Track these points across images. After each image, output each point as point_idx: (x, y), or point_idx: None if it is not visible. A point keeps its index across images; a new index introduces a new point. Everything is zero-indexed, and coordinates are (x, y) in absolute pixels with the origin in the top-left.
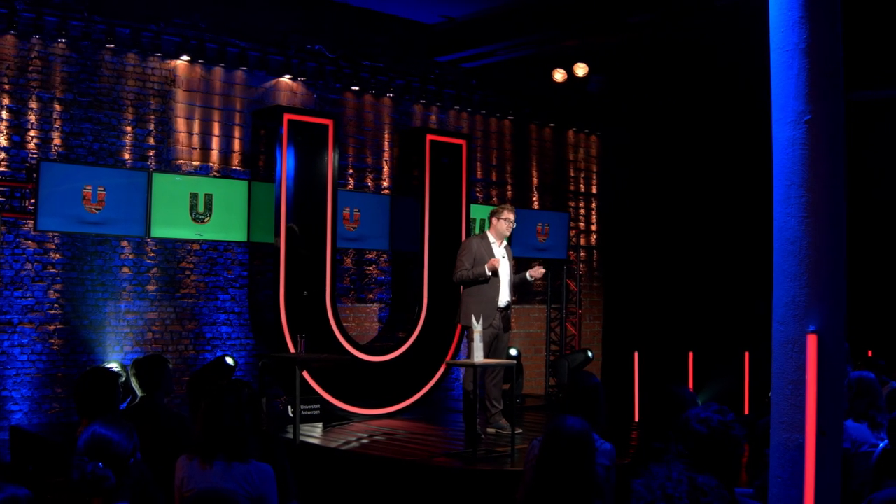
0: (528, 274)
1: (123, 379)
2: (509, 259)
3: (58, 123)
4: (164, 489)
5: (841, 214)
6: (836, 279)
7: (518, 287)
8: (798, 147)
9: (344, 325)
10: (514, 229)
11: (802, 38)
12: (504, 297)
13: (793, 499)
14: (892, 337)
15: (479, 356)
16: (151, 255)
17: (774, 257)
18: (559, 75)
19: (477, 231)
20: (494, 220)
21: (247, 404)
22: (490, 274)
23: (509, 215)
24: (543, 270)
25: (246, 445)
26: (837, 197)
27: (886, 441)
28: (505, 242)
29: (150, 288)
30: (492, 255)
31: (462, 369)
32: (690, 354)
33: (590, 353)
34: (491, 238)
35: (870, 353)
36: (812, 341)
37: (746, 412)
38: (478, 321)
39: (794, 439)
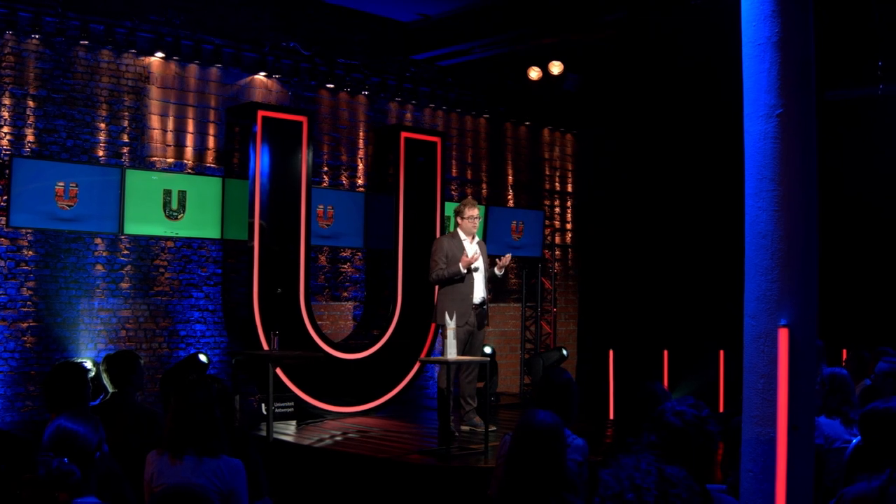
0: (494, 270)
1: (93, 374)
2: (484, 255)
3: (31, 120)
4: (135, 485)
5: (813, 208)
6: (808, 273)
7: (494, 284)
8: (770, 141)
9: (318, 323)
10: (488, 227)
11: (774, 31)
12: (479, 293)
13: (765, 493)
14: (867, 335)
15: (452, 353)
16: (125, 252)
17: (746, 251)
18: (534, 73)
19: (451, 228)
20: (459, 219)
21: (217, 399)
22: (465, 271)
23: (472, 211)
24: (509, 256)
25: (216, 440)
26: (809, 191)
27: (859, 437)
28: (478, 238)
29: (124, 285)
30: (463, 252)
31: (437, 367)
32: (665, 352)
33: (564, 352)
34: (462, 235)
35: (844, 353)
36: (783, 335)
37: (721, 409)
38: (452, 319)
39: (766, 433)
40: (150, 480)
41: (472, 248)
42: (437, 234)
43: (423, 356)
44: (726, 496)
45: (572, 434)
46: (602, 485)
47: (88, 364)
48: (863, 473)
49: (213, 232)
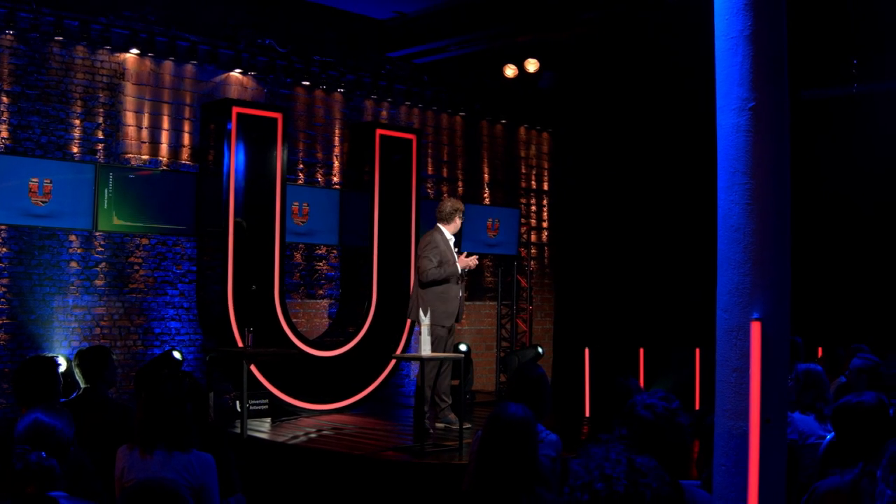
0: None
1: (64, 368)
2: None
3: (5, 116)
4: (107, 480)
5: (786, 201)
6: (781, 266)
7: (469, 281)
8: (742, 134)
9: (294, 320)
10: (463, 225)
11: (747, 25)
12: (461, 292)
13: (737, 486)
14: (843, 333)
15: (426, 349)
16: (100, 249)
17: (718, 245)
18: (510, 71)
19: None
20: (459, 218)
21: (188, 394)
22: (461, 273)
23: (462, 208)
24: (476, 258)
25: (187, 435)
26: (782, 184)
27: (833, 433)
28: (453, 237)
29: (99, 282)
30: (451, 251)
31: (414, 366)
32: (641, 350)
33: (540, 349)
34: (447, 233)
35: (820, 351)
36: (756, 329)
37: (697, 407)
38: (441, 319)
39: (739, 427)
40: (120, 475)
41: (452, 246)
42: (413, 231)
43: (398, 353)
44: (699, 490)
45: (546, 430)
46: (571, 475)
47: (60, 360)
48: (836, 468)
49: (187, 229)
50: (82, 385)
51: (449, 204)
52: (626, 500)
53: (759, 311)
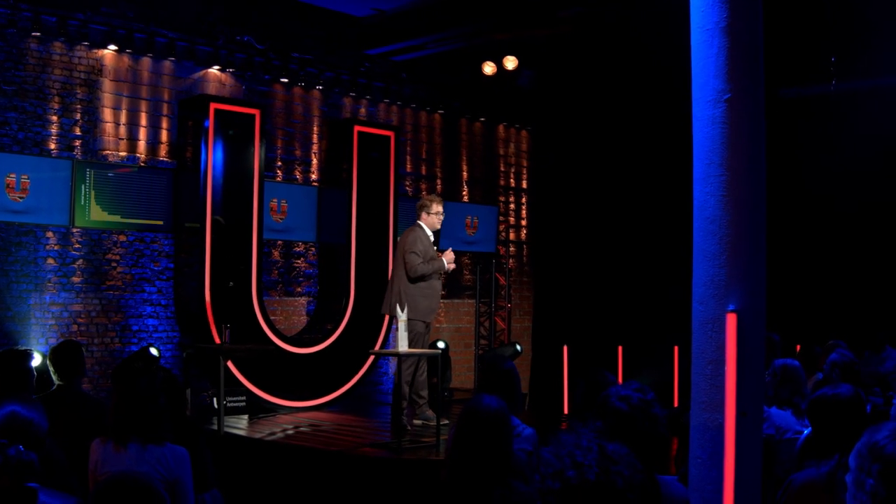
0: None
1: (38, 363)
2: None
3: None
4: (82, 475)
5: (761, 193)
6: (756, 258)
7: (447, 279)
8: (718, 126)
9: (272, 318)
10: (443, 223)
11: (723, 17)
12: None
13: (713, 479)
14: (821, 330)
15: (403, 345)
16: (77, 246)
17: (694, 237)
18: (489, 68)
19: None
20: (425, 214)
21: (162, 387)
22: (448, 268)
23: (440, 207)
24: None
25: (161, 428)
26: (758, 176)
27: (811, 428)
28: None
29: (76, 279)
30: (432, 246)
31: (393, 364)
32: (620, 348)
33: (518, 347)
34: (427, 231)
35: (798, 348)
36: (731, 321)
37: (676, 404)
38: (423, 314)
39: (714, 419)
40: (94, 469)
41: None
42: (391, 228)
43: (375, 349)
44: (675, 482)
45: (522, 423)
46: (543, 463)
47: (36, 354)
48: (812, 459)
49: (166, 225)
50: (56, 381)
51: (422, 199)
52: (597, 488)
53: (734, 302)
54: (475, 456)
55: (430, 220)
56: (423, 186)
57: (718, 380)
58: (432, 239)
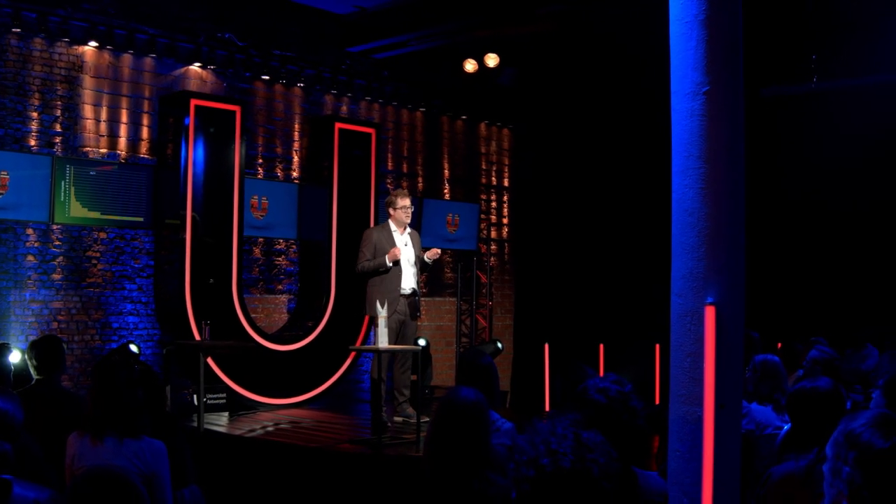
0: (425, 257)
1: (18, 361)
2: (415, 246)
3: None
4: (60, 470)
5: (740, 186)
6: (735, 251)
7: (428, 276)
8: (696, 118)
9: (252, 315)
10: (423, 220)
11: (701, 9)
12: (407, 283)
13: (692, 472)
14: (801, 328)
15: (383, 342)
16: (57, 243)
17: (673, 230)
18: (470, 66)
19: None
20: (391, 210)
21: (140, 380)
22: (390, 264)
23: (404, 202)
24: (438, 251)
25: (138, 421)
26: (736, 168)
27: (791, 424)
28: (409, 229)
29: (56, 276)
30: (393, 244)
31: (371, 360)
32: (601, 346)
33: (499, 344)
34: (392, 227)
35: (779, 345)
36: (710, 313)
37: (657, 402)
38: (384, 308)
39: (693, 412)
40: (71, 463)
41: (402, 238)
42: (372, 227)
43: (356, 346)
44: (653, 475)
45: (501, 418)
46: (517, 450)
47: (14, 350)
48: (791, 453)
49: (145, 222)
50: (35, 376)
51: (388, 196)
52: (572, 476)
53: (713, 295)
54: (453, 447)
55: (397, 216)
56: (405, 184)
57: (697, 373)
58: (398, 235)
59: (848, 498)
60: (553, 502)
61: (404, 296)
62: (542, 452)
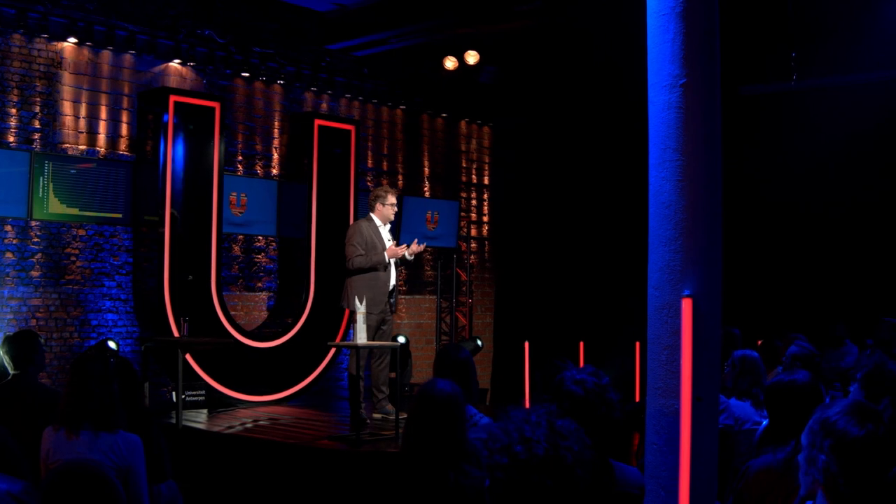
0: (406, 254)
1: None
2: (393, 242)
3: None
4: (36, 465)
5: (717, 178)
6: (712, 243)
7: (408, 275)
8: (673, 110)
9: (232, 313)
10: (403, 217)
11: (678, 2)
12: (392, 280)
13: (669, 465)
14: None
15: (361, 338)
16: (35, 240)
17: (650, 222)
18: (450, 63)
19: None
20: (379, 205)
21: (115, 373)
22: (389, 262)
23: (392, 199)
24: (423, 246)
25: (114, 415)
26: (713, 160)
27: (769, 417)
28: (389, 226)
29: (35, 273)
30: (381, 239)
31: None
32: (581, 344)
33: (479, 342)
34: (377, 222)
35: (759, 343)
36: (687, 305)
37: (637, 399)
38: (362, 303)
39: (670, 405)
40: (46, 456)
41: (386, 234)
42: (351, 224)
43: (335, 343)
44: (631, 468)
45: (479, 413)
46: (490, 438)
47: None
48: (769, 446)
49: (124, 219)
50: (11, 371)
51: (373, 191)
52: (546, 463)
53: (690, 287)
54: (429, 438)
55: (384, 212)
56: (385, 181)
57: (674, 365)
58: (383, 230)
59: (823, 486)
60: (526, 489)
61: (388, 293)
62: (516, 440)
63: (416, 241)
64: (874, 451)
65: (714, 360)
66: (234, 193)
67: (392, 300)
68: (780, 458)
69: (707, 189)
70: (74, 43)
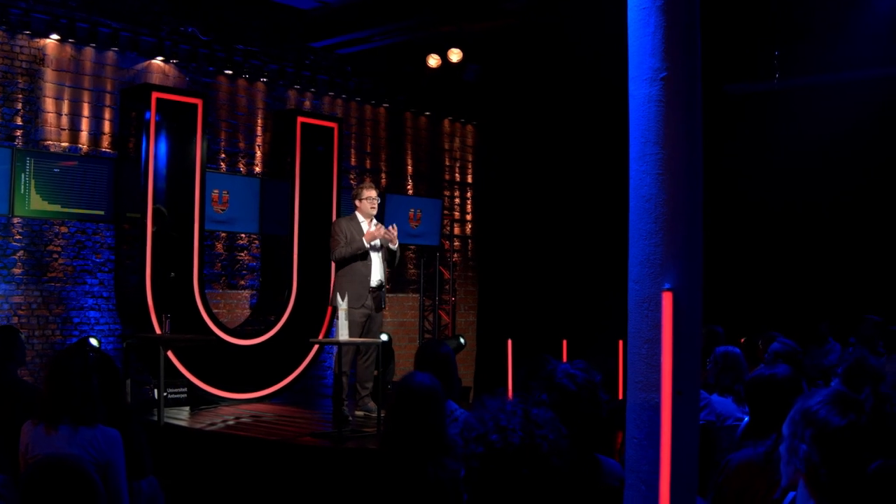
0: (389, 245)
1: None
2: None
3: None
4: (15, 460)
5: (697, 171)
6: (693, 237)
7: (392, 271)
8: (654, 104)
9: (215, 311)
10: (385, 215)
11: None
12: (376, 276)
13: (649, 459)
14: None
15: (343, 334)
16: (17, 237)
17: (630, 216)
18: (433, 61)
19: None
20: (357, 202)
21: (94, 367)
22: (368, 246)
23: (370, 192)
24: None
25: (92, 409)
26: (694, 154)
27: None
28: (375, 221)
29: (16, 271)
30: (362, 233)
31: (334, 355)
32: (564, 342)
33: (462, 340)
34: (360, 218)
35: (742, 341)
36: (667, 299)
37: (621, 397)
38: (344, 300)
39: (651, 399)
40: (24, 451)
41: (370, 229)
42: (333, 220)
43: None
44: (613, 461)
45: (459, 408)
46: (466, 427)
47: None
48: (750, 440)
49: (107, 216)
50: None
51: (354, 188)
52: (521, 452)
53: (670, 281)
54: (408, 431)
55: (363, 207)
56: (368, 180)
57: (654, 359)
58: (366, 225)
59: (805, 476)
60: (502, 478)
61: (373, 289)
62: (491, 429)
63: (393, 225)
64: (856, 440)
65: (695, 354)
66: (217, 191)
67: (380, 295)
68: (761, 452)
69: (688, 183)
70: (57, 39)
